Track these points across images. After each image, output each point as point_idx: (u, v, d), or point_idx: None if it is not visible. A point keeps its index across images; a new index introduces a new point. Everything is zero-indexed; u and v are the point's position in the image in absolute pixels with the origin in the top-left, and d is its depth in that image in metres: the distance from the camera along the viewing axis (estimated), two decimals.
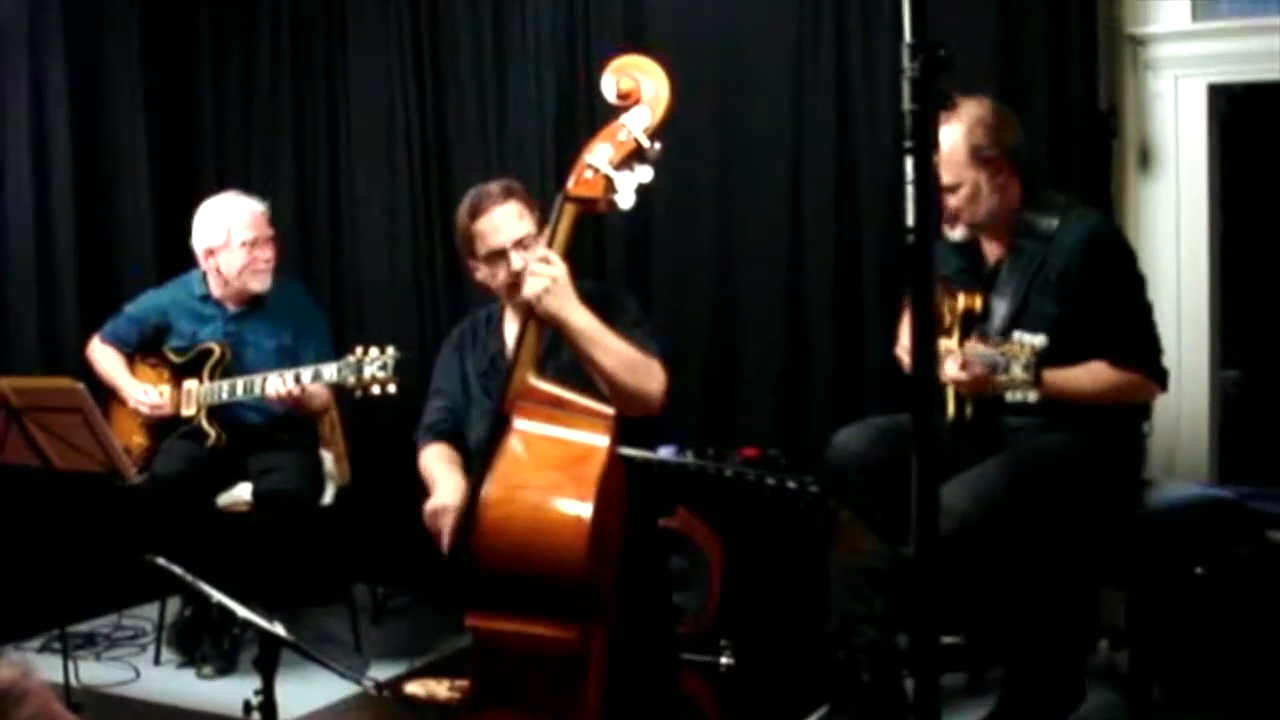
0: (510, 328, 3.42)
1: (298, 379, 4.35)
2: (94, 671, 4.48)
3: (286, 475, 4.45)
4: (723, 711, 4.12)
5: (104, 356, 4.77)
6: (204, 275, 4.73)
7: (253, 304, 4.72)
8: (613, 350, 3.05)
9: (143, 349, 4.76)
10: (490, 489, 2.83)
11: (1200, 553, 3.44)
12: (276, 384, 4.36)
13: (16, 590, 4.56)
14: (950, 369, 3.33)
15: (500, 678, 2.91)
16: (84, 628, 4.91)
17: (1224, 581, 3.43)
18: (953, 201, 3.44)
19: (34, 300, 5.18)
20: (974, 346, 3.35)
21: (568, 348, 3.13)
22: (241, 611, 2.71)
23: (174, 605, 4.73)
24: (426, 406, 3.61)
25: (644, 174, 2.99)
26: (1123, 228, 4.13)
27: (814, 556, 3.92)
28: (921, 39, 1.90)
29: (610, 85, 3.03)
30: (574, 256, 3.05)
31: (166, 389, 4.63)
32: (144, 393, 4.61)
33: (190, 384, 4.59)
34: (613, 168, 2.98)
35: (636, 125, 2.99)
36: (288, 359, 4.50)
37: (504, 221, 3.35)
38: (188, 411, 4.58)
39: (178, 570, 2.88)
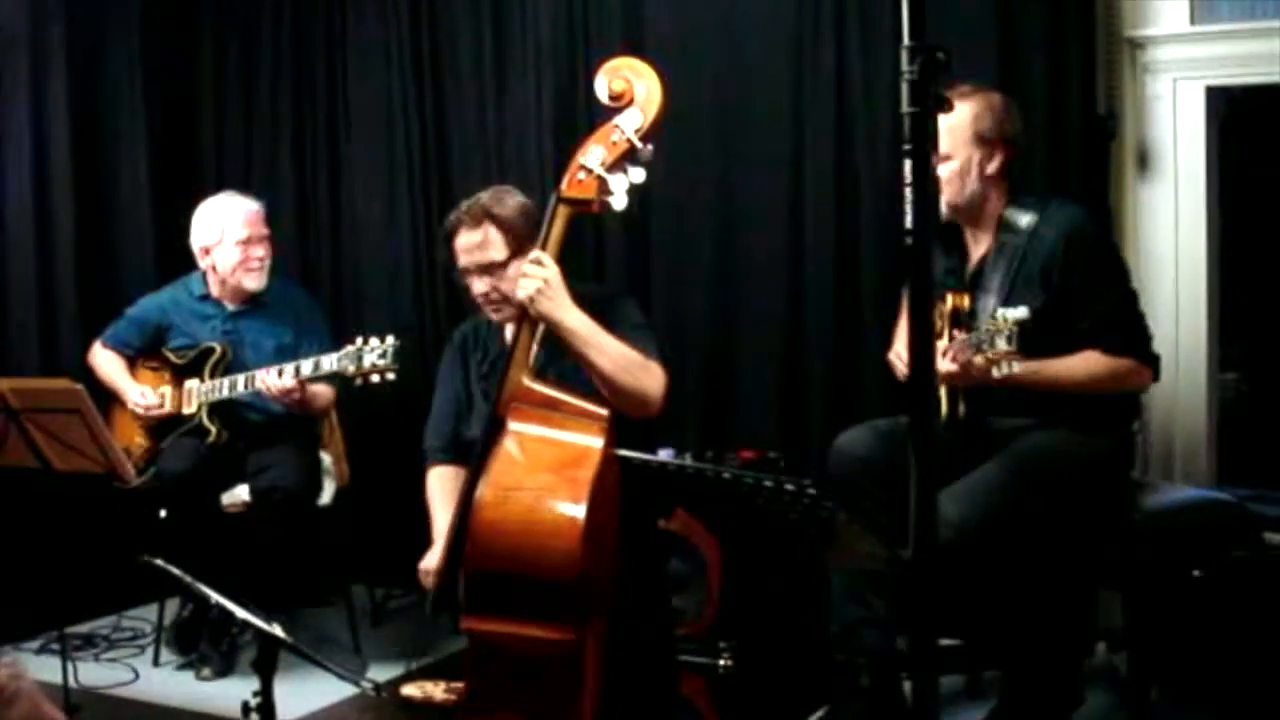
0: (512, 330, 3.42)
1: (297, 371, 4.37)
2: (93, 672, 4.48)
3: (284, 472, 4.45)
4: (721, 714, 4.12)
5: (105, 361, 4.78)
6: (203, 275, 4.76)
7: (252, 303, 4.73)
8: (608, 351, 3.06)
9: (144, 352, 4.77)
10: (484, 491, 2.83)
11: (1198, 555, 3.44)
12: (275, 378, 4.37)
13: (16, 591, 4.56)
14: (939, 365, 3.33)
15: (496, 679, 2.91)
16: (83, 629, 4.92)
17: (1222, 584, 3.43)
18: (941, 174, 3.45)
19: (34, 302, 5.18)
20: (958, 337, 3.36)
21: (564, 356, 3.13)
22: (240, 613, 2.72)
23: (173, 606, 4.73)
24: (432, 414, 3.61)
25: (637, 175, 3.01)
26: (1121, 230, 4.14)
27: (813, 559, 3.92)
28: (920, 41, 1.90)
29: (603, 87, 3.04)
30: (573, 259, 3.07)
31: (168, 390, 4.64)
32: (142, 395, 4.62)
33: (191, 382, 4.61)
34: (605, 169, 2.99)
35: (629, 127, 3.00)
36: (287, 358, 4.51)
37: (469, 246, 3.37)
38: (189, 410, 4.59)
39: (175, 571, 2.88)
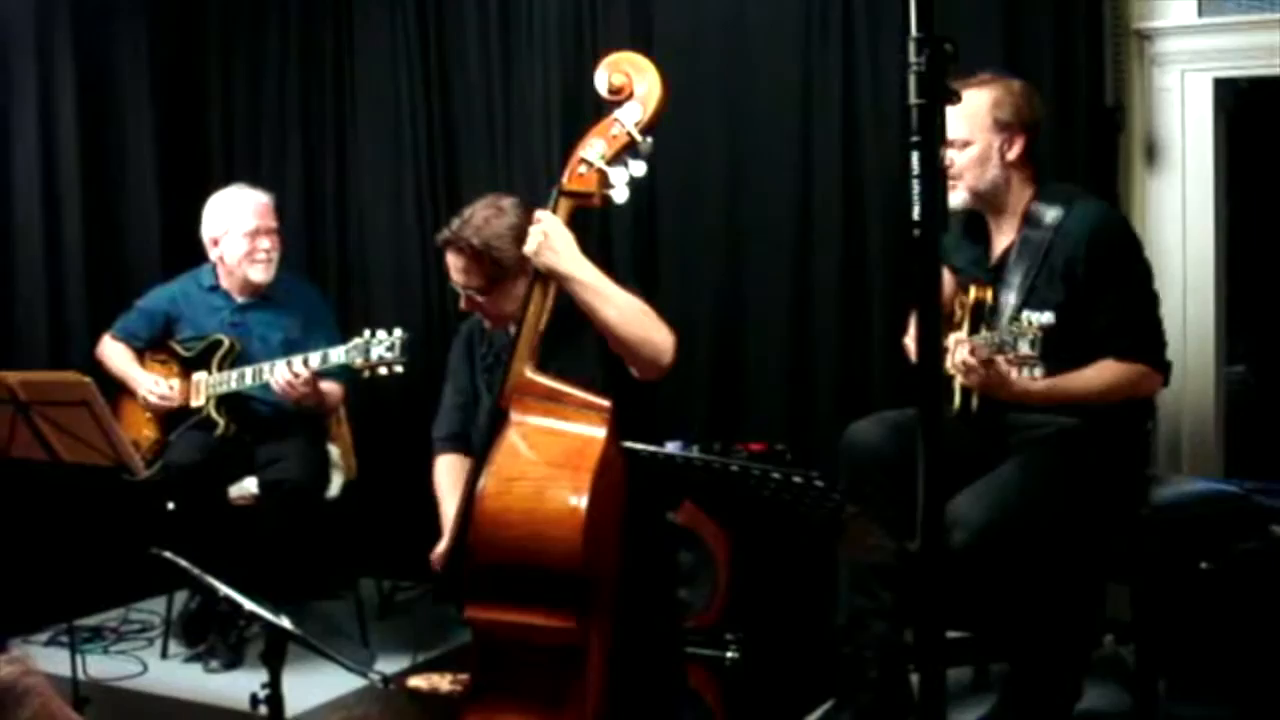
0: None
1: (306, 363, 4.37)
2: (101, 665, 4.49)
3: (292, 465, 4.45)
4: (728, 706, 4.13)
5: (114, 352, 4.78)
6: (213, 267, 4.76)
7: (260, 296, 4.73)
8: (617, 301, 3.08)
9: (152, 344, 4.77)
10: (487, 481, 2.84)
11: (1206, 547, 3.44)
12: (284, 371, 4.38)
13: (24, 584, 4.57)
14: (959, 355, 3.32)
15: (500, 669, 2.92)
16: (91, 621, 4.92)
17: (1230, 576, 3.43)
18: (960, 160, 3.46)
19: (42, 295, 5.18)
20: (981, 335, 3.36)
21: (566, 347, 3.14)
22: (248, 605, 2.72)
23: (181, 599, 4.74)
24: (441, 405, 3.62)
25: (637, 168, 3.02)
26: (1129, 222, 4.13)
27: (820, 551, 3.92)
28: (928, 33, 1.90)
29: (602, 80, 3.05)
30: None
31: (176, 382, 4.64)
32: (155, 383, 4.63)
33: (199, 375, 4.61)
34: (606, 163, 3.00)
35: (629, 120, 3.01)
36: (295, 352, 4.50)
37: (455, 267, 3.42)
38: (197, 402, 4.59)
39: (183, 563, 2.89)
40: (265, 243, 4.67)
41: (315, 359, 4.37)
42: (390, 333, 4.21)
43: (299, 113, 5.64)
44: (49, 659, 4.29)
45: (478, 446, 3.24)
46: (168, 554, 2.92)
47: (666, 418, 3.53)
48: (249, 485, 4.55)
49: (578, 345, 3.19)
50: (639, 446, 2.97)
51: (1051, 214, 3.43)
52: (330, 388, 4.59)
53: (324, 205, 5.63)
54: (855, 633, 3.59)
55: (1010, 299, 3.42)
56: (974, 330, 3.43)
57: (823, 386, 4.59)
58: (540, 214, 3.06)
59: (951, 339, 3.38)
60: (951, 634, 3.75)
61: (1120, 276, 3.39)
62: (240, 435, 4.59)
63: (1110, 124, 4.12)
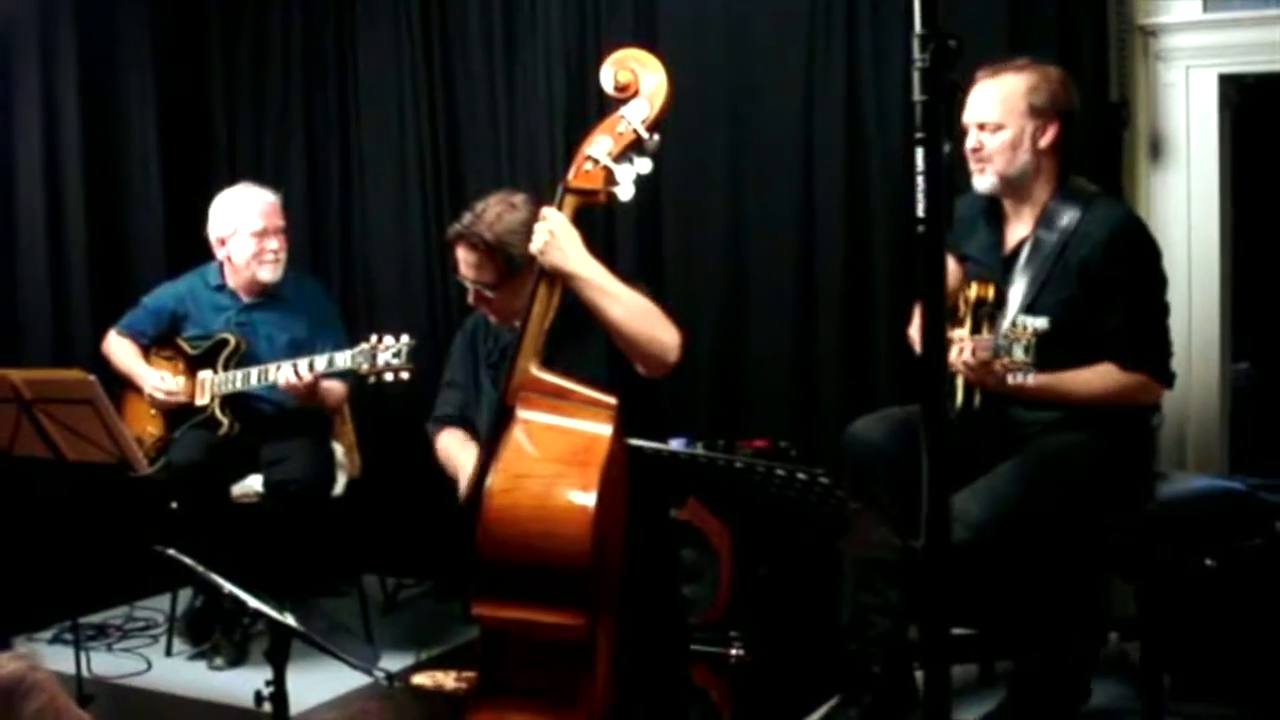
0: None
1: (311, 367, 4.37)
2: (106, 662, 4.50)
3: (297, 465, 4.46)
4: (733, 703, 4.13)
5: (120, 348, 4.78)
6: (220, 266, 4.77)
7: (267, 296, 4.74)
8: (623, 299, 3.07)
9: (158, 341, 4.77)
10: (494, 478, 2.84)
11: (1211, 544, 3.44)
12: (290, 373, 4.38)
13: (29, 582, 4.57)
14: (960, 354, 3.32)
15: (507, 666, 2.92)
16: (96, 619, 4.93)
17: (1235, 572, 3.42)
18: (992, 144, 3.45)
19: (46, 293, 5.19)
20: (981, 335, 3.35)
21: (572, 345, 3.14)
22: (253, 602, 2.72)
23: (185, 596, 4.74)
24: (439, 397, 3.62)
25: (643, 165, 3.01)
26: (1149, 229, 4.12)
27: (825, 548, 3.92)
28: (932, 29, 1.90)
29: (608, 78, 3.04)
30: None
31: (181, 380, 4.65)
32: (161, 379, 4.63)
33: (205, 373, 4.61)
34: (612, 160, 3.00)
35: (635, 117, 3.00)
36: (301, 353, 4.51)
37: (465, 261, 3.41)
38: (201, 401, 4.60)
39: (187, 561, 2.89)
40: (273, 243, 4.67)
41: (321, 363, 4.37)
42: (397, 339, 4.21)
43: (302, 110, 5.64)
44: (53, 657, 4.29)
45: (483, 443, 3.24)
46: (172, 551, 2.92)
47: (671, 414, 3.52)
48: (252, 483, 4.55)
49: (583, 342, 3.18)
50: (643, 443, 2.97)
51: (1068, 216, 3.42)
52: (333, 385, 4.58)
53: (328, 203, 5.63)
54: (860, 629, 3.59)
55: (1018, 294, 3.41)
56: (976, 328, 3.43)
57: (827, 383, 4.59)
58: (547, 211, 3.06)
59: (954, 334, 3.37)
60: (957, 631, 3.77)
61: (1135, 281, 3.38)
62: (244, 434, 4.59)
63: (1115, 120, 4.11)
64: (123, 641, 4.79)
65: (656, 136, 3.02)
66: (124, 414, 4.55)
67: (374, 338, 4.24)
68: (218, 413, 4.58)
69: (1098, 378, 3.33)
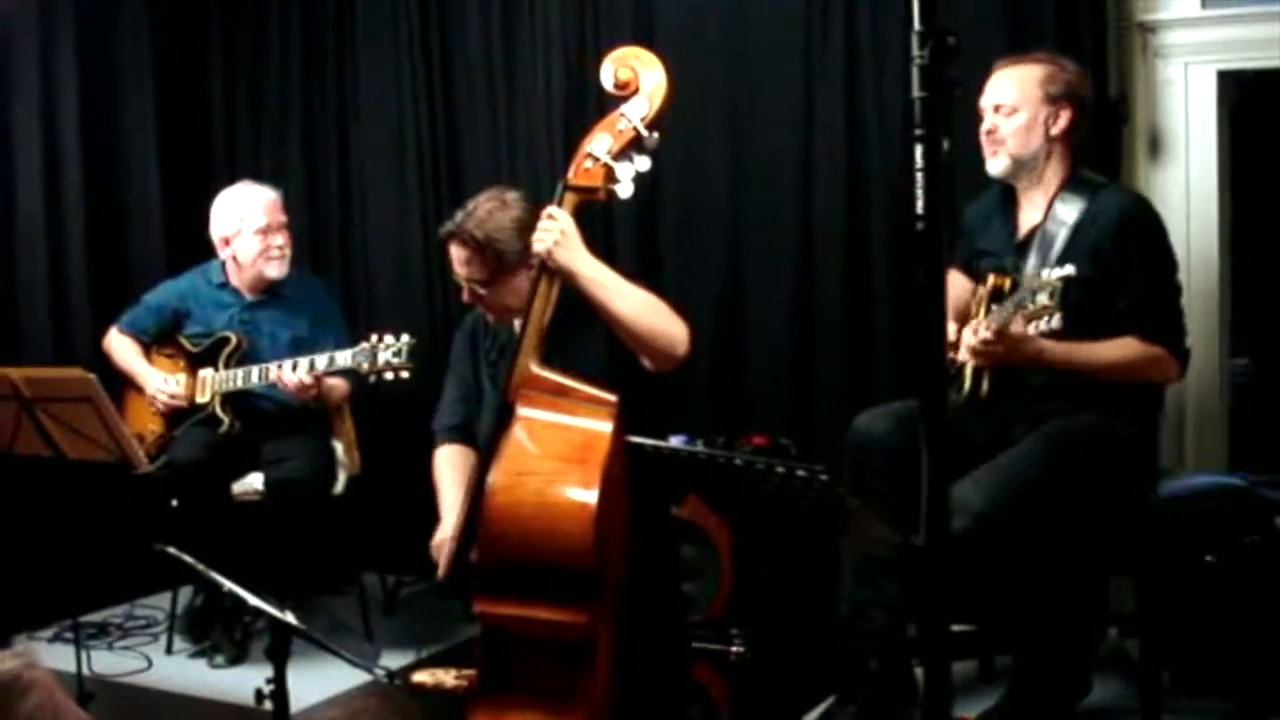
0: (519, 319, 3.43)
1: (312, 366, 4.38)
2: (106, 661, 4.51)
3: (298, 464, 4.47)
4: (733, 700, 4.13)
5: (121, 346, 4.79)
6: (223, 264, 4.77)
7: (270, 294, 4.74)
8: (629, 297, 3.07)
9: (159, 339, 4.78)
10: (495, 476, 2.84)
11: (1211, 540, 3.44)
12: (290, 374, 4.38)
13: (29, 580, 4.58)
14: (971, 339, 3.32)
15: (508, 664, 2.91)
16: (96, 617, 4.94)
17: (1234, 568, 3.43)
18: (1006, 127, 3.51)
19: (45, 292, 5.19)
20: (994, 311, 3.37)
21: (571, 341, 3.14)
22: (253, 600, 2.72)
23: (186, 595, 4.74)
24: (443, 397, 3.62)
25: (643, 163, 3.02)
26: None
27: (824, 545, 3.92)
28: (931, 26, 1.90)
29: (608, 75, 3.04)
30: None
31: (182, 378, 4.65)
32: (164, 381, 4.63)
33: (206, 372, 4.62)
34: (612, 157, 3.00)
35: (635, 115, 3.00)
36: (303, 351, 4.52)
37: (458, 259, 3.40)
38: (202, 399, 4.60)
39: (188, 559, 2.89)
40: (278, 239, 4.68)
41: (322, 361, 4.38)
42: (398, 338, 4.22)
43: (301, 108, 5.64)
44: (54, 655, 4.29)
45: (483, 441, 3.24)
46: (172, 550, 2.92)
47: (670, 411, 3.52)
48: (252, 482, 4.55)
49: (583, 339, 3.18)
50: (643, 440, 2.97)
51: (1079, 202, 3.46)
52: (334, 383, 4.59)
53: (327, 201, 5.63)
54: (857, 624, 3.59)
55: (1031, 267, 3.44)
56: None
57: (827, 380, 4.59)
58: (553, 210, 3.04)
59: (967, 328, 3.38)
60: (956, 627, 3.77)
61: (1149, 258, 3.42)
62: (244, 432, 4.60)
63: (1114, 116, 4.12)
64: (123, 640, 4.80)
65: (656, 134, 3.02)
66: (125, 411, 4.56)
67: (374, 337, 4.26)
68: (218, 411, 4.58)
69: (1118, 347, 3.34)
